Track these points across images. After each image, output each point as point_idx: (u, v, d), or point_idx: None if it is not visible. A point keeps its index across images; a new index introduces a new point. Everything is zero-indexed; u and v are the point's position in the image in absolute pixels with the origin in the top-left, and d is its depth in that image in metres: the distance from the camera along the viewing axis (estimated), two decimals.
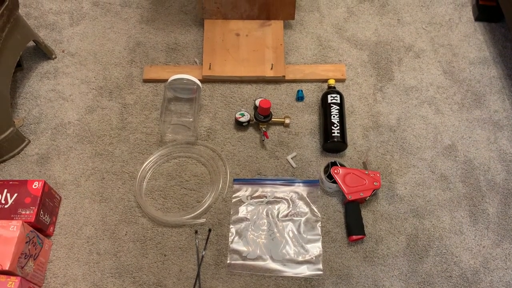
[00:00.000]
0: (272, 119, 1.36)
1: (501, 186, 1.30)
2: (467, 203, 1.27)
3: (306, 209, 1.24)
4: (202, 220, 1.23)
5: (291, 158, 1.33)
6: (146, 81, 1.46)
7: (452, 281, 1.16)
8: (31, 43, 1.44)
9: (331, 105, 1.35)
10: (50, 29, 1.56)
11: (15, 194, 1.14)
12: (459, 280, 1.17)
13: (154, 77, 1.45)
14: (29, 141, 1.35)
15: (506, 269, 1.18)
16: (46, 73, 1.47)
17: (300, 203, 1.25)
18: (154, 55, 1.51)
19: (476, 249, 1.21)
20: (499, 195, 1.28)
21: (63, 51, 1.52)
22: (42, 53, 1.49)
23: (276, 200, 1.26)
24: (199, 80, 1.38)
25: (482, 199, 1.28)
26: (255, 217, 1.23)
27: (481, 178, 1.31)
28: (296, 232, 1.21)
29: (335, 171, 1.25)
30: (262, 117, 1.34)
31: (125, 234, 1.22)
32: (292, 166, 1.32)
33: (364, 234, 1.19)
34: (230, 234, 1.21)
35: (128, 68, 1.49)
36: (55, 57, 1.50)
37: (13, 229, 1.02)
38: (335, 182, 1.24)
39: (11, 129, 1.28)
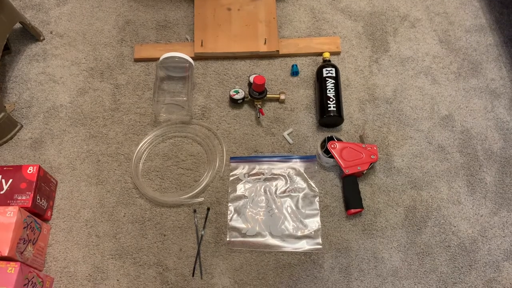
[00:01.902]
0: (267, 96, 1.34)
1: (498, 154, 1.29)
2: (465, 173, 1.27)
3: (304, 185, 1.24)
4: (200, 199, 1.23)
5: (288, 134, 1.32)
6: (137, 60, 1.43)
7: (450, 251, 1.17)
8: (18, 25, 1.41)
9: (327, 79, 1.33)
10: (37, 10, 1.52)
11: (10, 180, 1.13)
12: (457, 249, 1.18)
13: (145, 56, 1.42)
14: (22, 126, 1.33)
15: (503, 236, 1.19)
16: (35, 55, 1.44)
17: (298, 179, 1.25)
18: (144, 33, 1.48)
19: (474, 218, 1.21)
20: (497, 163, 1.28)
21: (51, 32, 1.48)
22: (30, 35, 1.45)
23: (274, 177, 1.26)
24: (191, 57, 1.35)
25: (479, 169, 1.28)
26: (253, 194, 1.23)
27: (478, 148, 1.30)
28: (294, 208, 1.21)
29: (332, 145, 1.24)
30: (257, 94, 1.32)
31: (124, 216, 1.21)
32: (289, 142, 1.31)
33: (362, 207, 1.19)
34: (228, 212, 1.21)
35: (119, 48, 1.45)
36: (43, 39, 1.47)
37: (10, 215, 1.02)
38: (332, 157, 1.23)
39: (3, 114, 1.26)
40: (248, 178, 1.26)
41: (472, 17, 1.51)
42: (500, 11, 1.52)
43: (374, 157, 1.23)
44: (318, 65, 1.39)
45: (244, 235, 1.18)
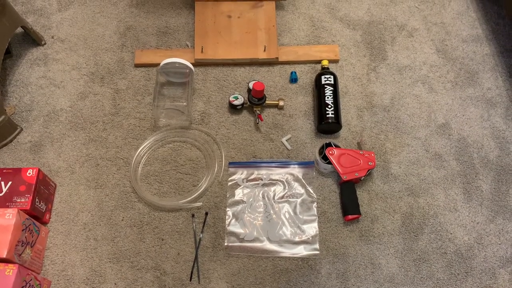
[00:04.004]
0: (266, 102, 1.35)
1: (494, 163, 1.31)
2: (461, 181, 1.28)
3: (302, 190, 1.25)
4: (199, 204, 1.23)
5: (286, 140, 1.33)
6: (137, 65, 1.44)
7: (447, 257, 1.18)
8: (20, 30, 1.42)
9: (325, 86, 1.34)
10: (38, 15, 1.53)
11: (10, 183, 1.13)
12: (453, 256, 1.18)
13: (146, 62, 1.44)
14: (22, 129, 1.33)
15: (499, 244, 1.20)
16: (36, 59, 1.45)
17: (296, 185, 1.26)
18: (145, 39, 1.49)
19: (470, 225, 1.22)
20: (493, 172, 1.29)
21: (52, 37, 1.49)
22: (31, 39, 1.47)
23: (272, 182, 1.26)
24: (191, 63, 1.37)
25: (475, 176, 1.29)
26: (251, 199, 1.24)
27: (474, 156, 1.32)
28: (292, 213, 1.22)
29: (330, 152, 1.25)
30: (256, 100, 1.33)
31: (122, 220, 1.22)
32: (287, 148, 1.32)
33: (360, 214, 1.20)
34: (227, 217, 1.22)
35: (119, 53, 1.47)
36: (45, 43, 1.48)
37: (9, 217, 1.02)
38: (330, 163, 1.24)
39: (3, 117, 1.27)
40: (247, 183, 1.26)
41: (469, 27, 1.54)
42: (496, 22, 1.55)
43: (371, 163, 1.24)
44: (317, 73, 1.40)
45: (242, 240, 1.19)
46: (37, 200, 1.14)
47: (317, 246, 1.18)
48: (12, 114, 1.35)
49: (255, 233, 1.19)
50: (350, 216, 1.20)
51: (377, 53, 1.48)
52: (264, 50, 1.43)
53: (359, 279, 1.15)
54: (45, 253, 1.17)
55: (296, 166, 1.28)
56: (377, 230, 1.21)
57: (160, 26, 1.52)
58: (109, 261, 1.16)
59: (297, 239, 1.19)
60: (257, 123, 1.34)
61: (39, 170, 1.15)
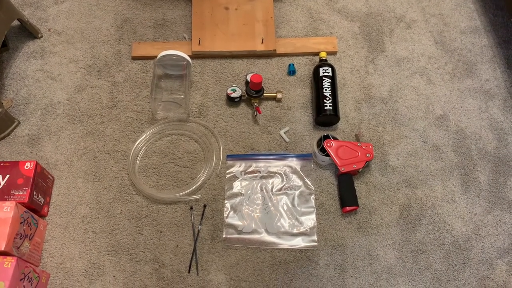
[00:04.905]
0: (264, 94, 1.35)
1: (492, 154, 1.31)
2: (459, 172, 1.28)
3: (300, 183, 1.25)
4: (197, 196, 1.23)
5: (284, 133, 1.33)
6: (135, 58, 1.44)
7: (444, 249, 1.18)
8: (16, 22, 1.41)
9: (323, 78, 1.34)
10: (35, 7, 1.53)
11: (7, 176, 1.13)
12: (451, 247, 1.19)
13: (143, 54, 1.43)
14: (19, 122, 1.33)
15: (497, 235, 1.20)
16: (33, 52, 1.45)
17: (294, 177, 1.26)
18: (142, 31, 1.49)
19: (468, 216, 1.23)
20: (490, 163, 1.30)
21: (49, 30, 1.49)
22: (28, 32, 1.46)
23: (270, 175, 1.27)
24: (188, 56, 1.36)
25: (473, 168, 1.29)
26: (249, 191, 1.24)
27: (472, 147, 1.32)
28: (290, 205, 1.22)
29: (328, 144, 1.25)
30: (254, 92, 1.33)
31: (120, 212, 1.22)
32: (285, 141, 1.32)
33: (358, 205, 1.20)
34: (225, 209, 1.22)
35: (116, 46, 1.46)
36: (41, 36, 1.47)
37: (6, 210, 1.02)
38: (328, 155, 1.24)
39: (0, 110, 1.26)
40: (245, 176, 1.26)
41: (467, 19, 1.53)
42: (495, 13, 1.54)
43: (369, 155, 1.24)
44: (315, 65, 1.40)
45: (240, 232, 1.19)
46: (35, 193, 1.14)
47: (315, 237, 1.18)
48: (9, 107, 1.35)
49: (253, 225, 1.20)
50: (348, 208, 1.20)
51: (375, 45, 1.48)
52: (262, 42, 1.42)
53: (357, 270, 1.16)
54: (44, 246, 1.17)
55: (294, 158, 1.29)
56: (375, 222, 1.21)
57: (157, 18, 1.51)
58: (108, 254, 1.17)
59: (295, 231, 1.19)
60: (255, 115, 1.34)
61: (36, 163, 1.15)
